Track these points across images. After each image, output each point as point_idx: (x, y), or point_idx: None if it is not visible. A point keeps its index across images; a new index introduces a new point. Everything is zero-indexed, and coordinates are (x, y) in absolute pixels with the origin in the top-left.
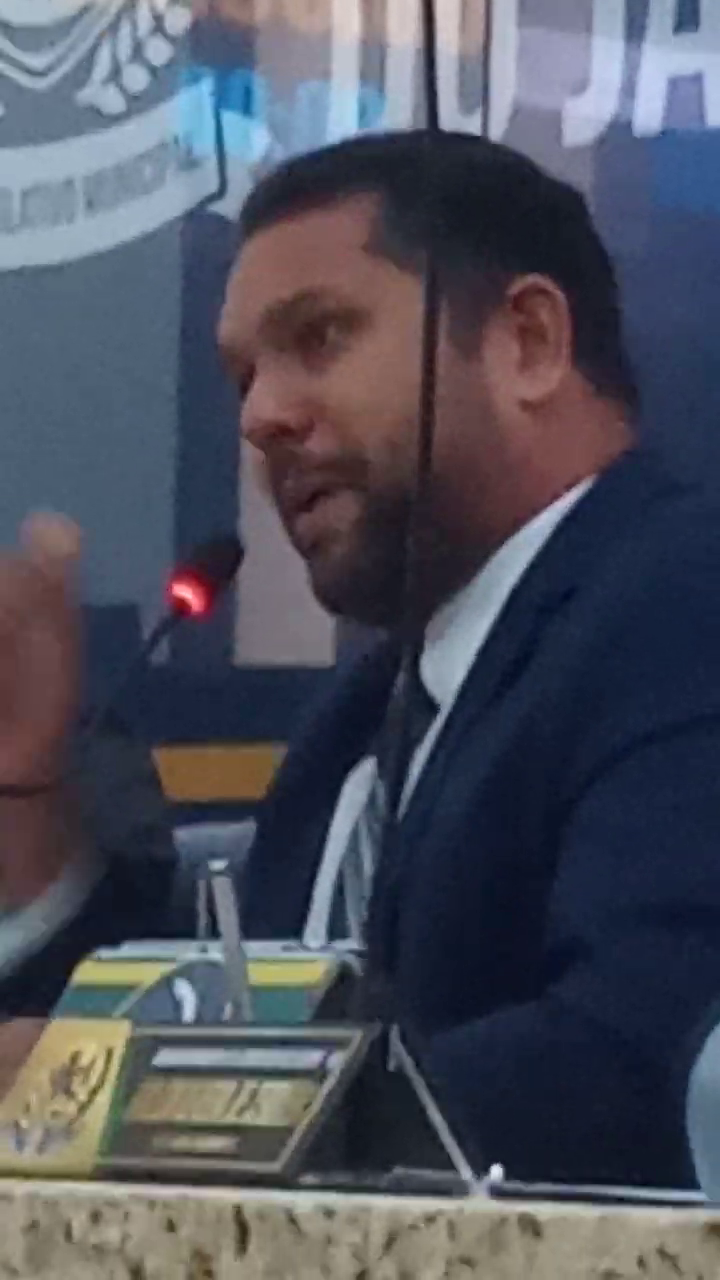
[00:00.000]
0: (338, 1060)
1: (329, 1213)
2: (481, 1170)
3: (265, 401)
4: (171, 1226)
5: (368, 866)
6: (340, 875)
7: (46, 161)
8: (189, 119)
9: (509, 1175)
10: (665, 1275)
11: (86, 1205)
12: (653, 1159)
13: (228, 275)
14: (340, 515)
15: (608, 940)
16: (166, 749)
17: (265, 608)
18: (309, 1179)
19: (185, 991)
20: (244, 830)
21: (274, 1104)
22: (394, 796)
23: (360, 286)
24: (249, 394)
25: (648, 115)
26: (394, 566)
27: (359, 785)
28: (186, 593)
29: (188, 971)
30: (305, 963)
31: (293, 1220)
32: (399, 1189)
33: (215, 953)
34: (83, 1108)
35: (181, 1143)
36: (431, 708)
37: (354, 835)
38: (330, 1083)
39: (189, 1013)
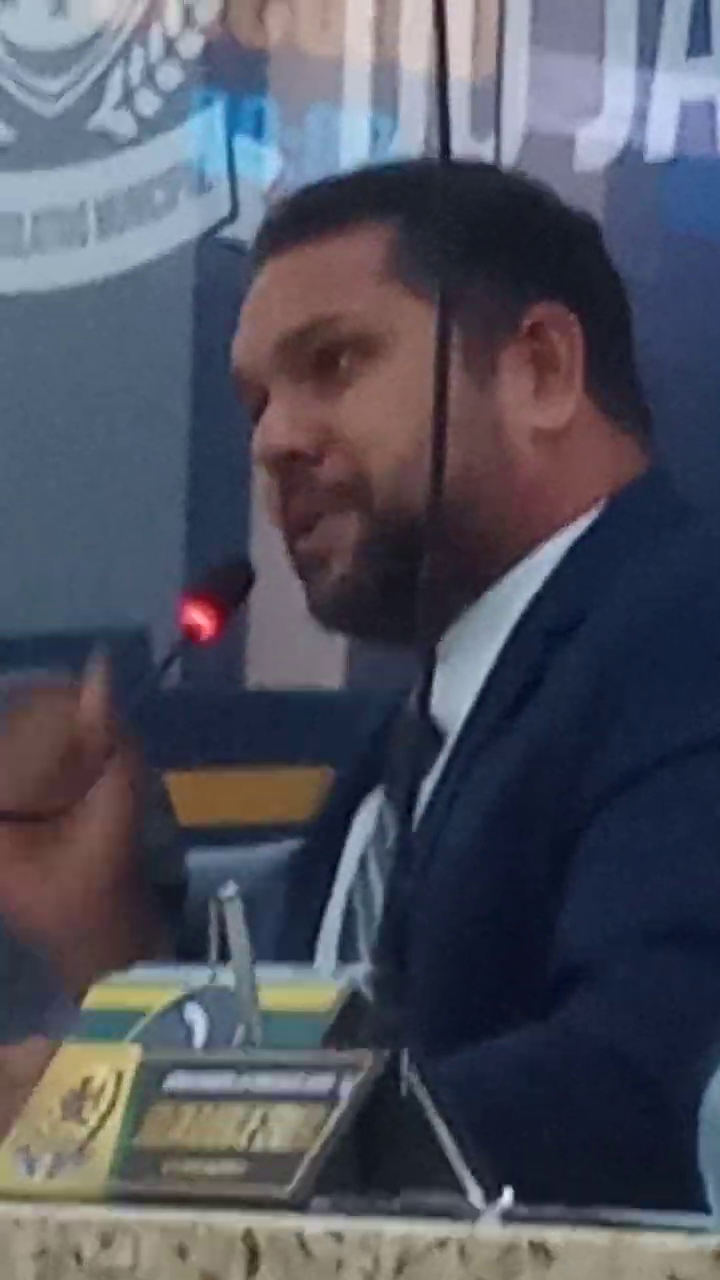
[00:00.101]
0: (348, 1085)
1: (339, 1237)
2: (492, 1195)
3: (278, 426)
4: (182, 1251)
5: (376, 895)
6: (349, 904)
7: (58, 186)
8: (201, 143)
9: (519, 1198)
10: None
11: (97, 1230)
12: (661, 1180)
13: (240, 299)
14: (341, 534)
15: (614, 963)
16: (178, 772)
17: (276, 631)
18: (319, 1203)
19: (196, 1016)
20: (256, 854)
21: (285, 1128)
22: (405, 821)
23: (374, 314)
24: (262, 419)
25: (659, 141)
26: (392, 587)
27: (368, 815)
28: (198, 616)
29: (199, 996)
30: (316, 987)
31: (303, 1245)
32: (410, 1213)
33: (226, 977)
34: (93, 1132)
35: (192, 1167)
36: (437, 735)
37: (362, 864)
38: (341, 1107)
39: (200, 1037)
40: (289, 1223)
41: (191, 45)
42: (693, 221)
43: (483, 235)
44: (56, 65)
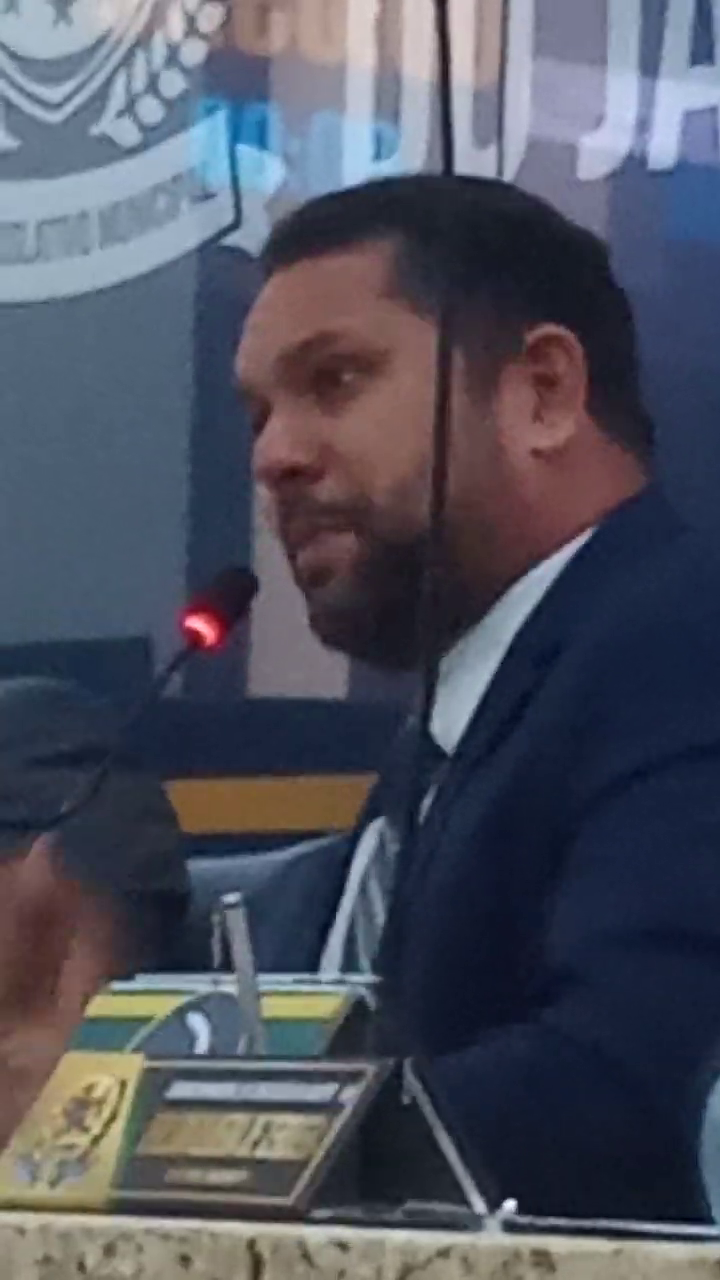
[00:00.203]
0: (352, 1094)
1: (343, 1246)
2: (495, 1204)
3: (279, 443)
4: (185, 1260)
5: (378, 915)
6: (351, 928)
7: (61, 194)
8: (204, 151)
9: (506, 1197)
10: None
11: (100, 1238)
12: (647, 1180)
13: (243, 308)
14: (340, 551)
15: (598, 965)
16: (179, 781)
17: (278, 640)
18: (322, 1212)
19: (199, 1024)
20: (259, 863)
21: (288, 1137)
22: (408, 834)
23: (376, 330)
24: (263, 434)
25: (662, 149)
26: (390, 607)
27: (371, 836)
28: (200, 625)
29: (201, 1004)
30: (319, 996)
31: (306, 1254)
32: (412, 1222)
33: (229, 986)
34: (96, 1141)
35: (195, 1176)
36: (437, 754)
37: (364, 887)
38: (344, 1116)
39: (203, 1046)
40: (292, 1231)
41: (194, 53)
42: (695, 230)
43: (486, 253)
44: (59, 73)
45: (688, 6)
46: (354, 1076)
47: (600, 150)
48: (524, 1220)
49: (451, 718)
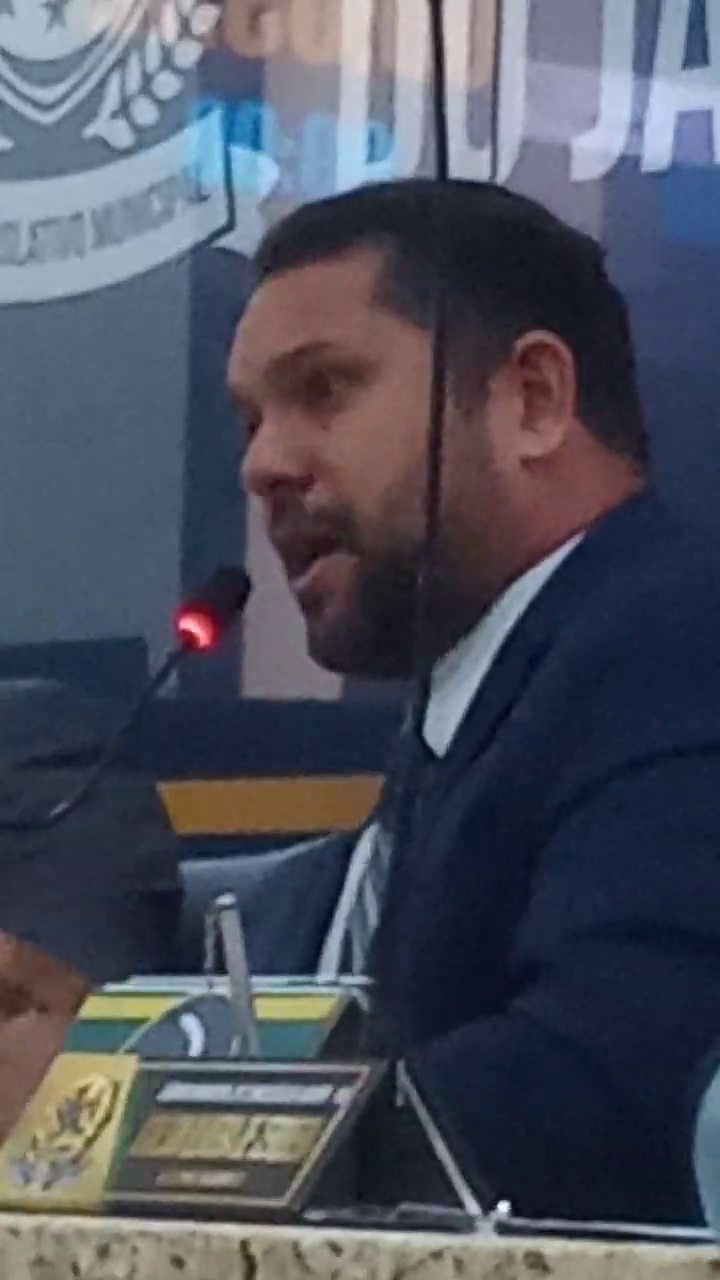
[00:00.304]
0: (345, 1095)
1: (336, 1248)
2: (489, 1206)
3: (267, 452)
4: (179, 1262)
5: (372, 918)
6: (348, 927)
7: (55, 195)
8: (198, 152)
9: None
10: None
11: (94, 1240)
12: (615, 1168)
13: (237, 309)
14: (334, 576)
15: (567, 956)
16: (173, 782)
17: (273, 641)
18: (316, 1214)
19: (192, 1026)
20: (252, 864)
21: (281, 1139)
22: (400, 838)
23: (364, 340)
24: (253, 442)
25: (656, 151)
26: (385, 626)
27: (367, 839)
28: (194, 626)
29: (195, 1006)
30: (312, 998)
31: (299, 1256)
32: (406, 1224)
33: (222, 988)
34: (90, 1142)
35: (188, 1178)
36: (430, 757)
37: (360, 893)
38: (337, 1118)
39: (196, 1047)
40: (286, 1233)
41: (188, 54)
42: (689, 231)
43: (476, 261)
44: (53, 74)
45: (682, 8)
46: (348, 1078)
47: (594, 151)
48: (518, 1222)
49: (444, 722)
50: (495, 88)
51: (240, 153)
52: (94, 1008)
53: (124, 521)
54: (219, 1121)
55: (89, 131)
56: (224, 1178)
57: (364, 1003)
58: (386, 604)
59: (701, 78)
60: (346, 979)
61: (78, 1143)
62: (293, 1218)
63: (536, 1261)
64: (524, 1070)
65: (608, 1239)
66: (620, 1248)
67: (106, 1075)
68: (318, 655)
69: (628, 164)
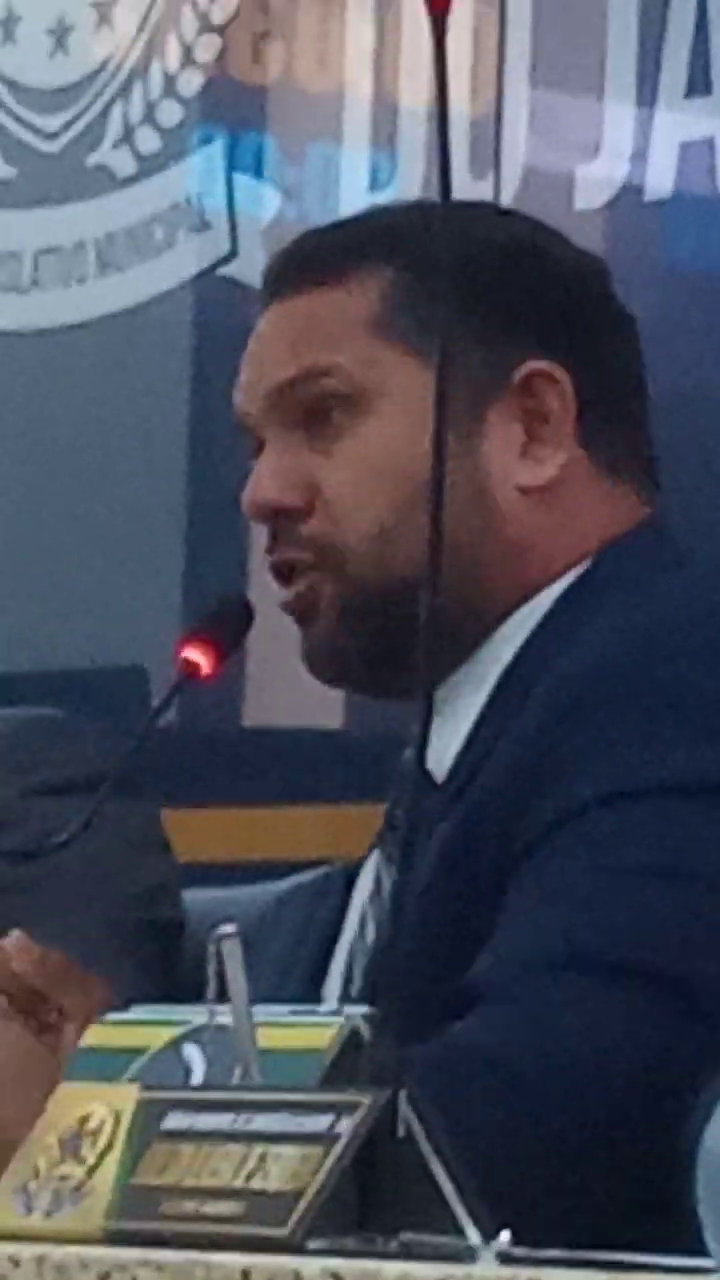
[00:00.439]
0: (347, 1125)
1: (337, 1278)
2: (490, 1235)
3: (266, 483)
4: None
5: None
6: (350, 957)
7: (58, 223)
8: (200, 181)
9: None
10: None
11: (95, 1269)
12: (541, 1182)
13: (239, 338)
14: (318, 592)
15: (510, 985)
16: (175, 810)
17: (274, 670)
18: (317, 1244)
19: (194, 1055)
20: (254, 893)
21: (282, 1168)
22: (404, 867)
23: (364, 368)
24: (253, 471)
25: (659, 180)
26: (374, 647)
27: (369, 869)
28: (196, 655)
29: (196, 1035)
30: (314, 1027)
31: None
32: (407, 1254)
33: (224, 1016)
34: (91, 1171)
35: (190, 1207)
36: (432, 786)
37: (362, 919)
38: (339, 1147)
39: (197, 1076)
40: (287, 1263)
41: (191, 83)
42: (692, 260)
43: (478, 288)
44: (56, 102)
45: (685, 37)
46: (349, 1107)
47: (597, 180)
48: (519, 1252)
49: (444, 751)
50: (498, 116)
51: (243, 181)
52: (96, 1036)
53: (126, 550)
54: (220, 1150)
55: (92, 160)
56: (225, 1207)
57: (365, 1032)
58: (373, 627)
59: (704, 107)
60: (348, 1008)
61: (79, 1172)
62: (294, 1247)
63: None
64: (450, 1090)
65: (609, 1269)
66: (621, 1277)
67: (108, 1104)
68: (308, 666)
69: (630, 193)
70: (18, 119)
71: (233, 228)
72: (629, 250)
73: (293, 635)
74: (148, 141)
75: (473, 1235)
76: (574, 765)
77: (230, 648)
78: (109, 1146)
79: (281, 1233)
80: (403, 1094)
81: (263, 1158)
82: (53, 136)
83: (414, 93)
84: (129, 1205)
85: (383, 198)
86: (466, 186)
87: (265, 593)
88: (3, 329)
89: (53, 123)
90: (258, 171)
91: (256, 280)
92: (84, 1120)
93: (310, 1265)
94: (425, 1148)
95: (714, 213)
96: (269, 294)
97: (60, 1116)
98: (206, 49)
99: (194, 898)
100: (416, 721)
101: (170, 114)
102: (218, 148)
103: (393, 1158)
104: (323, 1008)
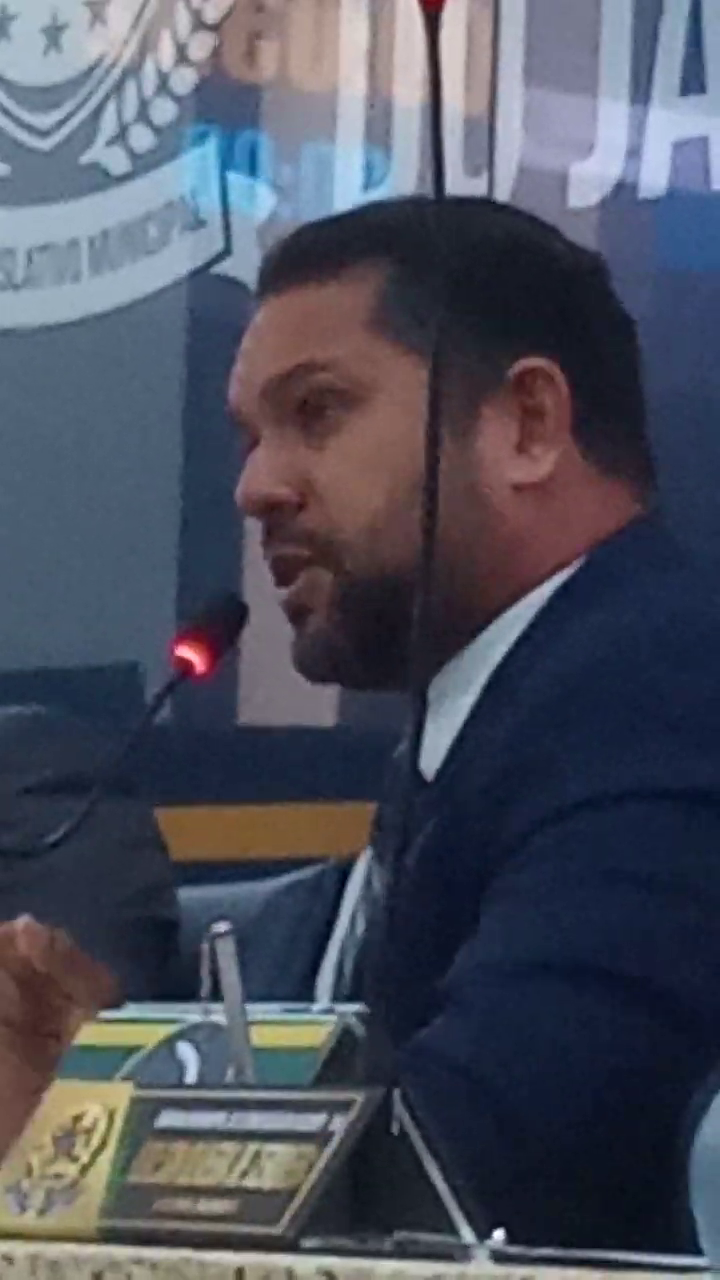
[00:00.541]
0: (340, 1123)
1: (331, 1276)
2: (484, 1234)
3: (260, 476)
4: None
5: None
6: (342, 955)
7: (52, 221)
8: (194, 179)
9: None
10: None
11: (88, 1267)
12: (504, 1190)
13: (233, 336)
14: (316, 590)
15: (478, 990)
16: (169, 809)
17: (268, 669)
18: (311, 1242)
19: (188, 1053)
20: (248, 891)
21: (276, 1167)
22: (396, 864)
23: (358, 364)
24: (247, 464)
25: (653, 178)
26: (367, 643)
27: (361, 868)
28: (190, 654)
29: (190, 1033)
30: (308, 1025)
31: None
32: (401, 1252)
33: (218, 1015)
34: (85, 1170)
35: (183, 1205)
36: (422, 784)
37: (354, 917)
38: (333, 1146)
39: (191, 1075)
40: (281, 1261)
41: (185, 81)
42: (685, 258)
43: (474, 285)
44: (50, 100)
45: (679, 35)
46: (343, 1106)
47: (591, 178)
48: (513, 1250)
49: (433, 749)
50: (492, 115)
51: (237, 179)
52: (90, 1035)
53: (120, 548)
54: (214, 1149)
55: (86, 158)
56: (219, 1205)
57: (359, 1030)
58: (367, 622)
59: (698, 105)
60: (342, 1006)
61: (73, 1170)
62: (288, 1245)
63: None
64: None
65: (603, 1267)
66: (615, 1276)
67: (102, 1102)
68: (299, 666)
69: (624, 191)
70: (11, 116)
71: (227, 226)
72: (622, 248)
73: (287, 633)
74: (142, 139)
75: (467, 1234)
76: (555, 768)
77: (224, 646)
78: (103, 1145)
79: (275, 1231)
80: (396, 1092)
81: (256, 1156)
82: (46, 134)
83: (408, 91)
84: (123, 1203)
85: (377, 196)
86: (461, 184)
87: (260, 591)
88: None
89: (46, 120)
90: (252, 169)
91: (251, 278)
92: (78, 1118)
93: (304, 1264)
94: (419, 1146)
95: (707, 211)
96: (264, 288)
97: (54, 1115)
98: (200, 47)
99: (188, 896)
100: (409, 720)
101: (164, 112)
102: (212, 146)
103: (386, 1156)
104: (316, 1006)
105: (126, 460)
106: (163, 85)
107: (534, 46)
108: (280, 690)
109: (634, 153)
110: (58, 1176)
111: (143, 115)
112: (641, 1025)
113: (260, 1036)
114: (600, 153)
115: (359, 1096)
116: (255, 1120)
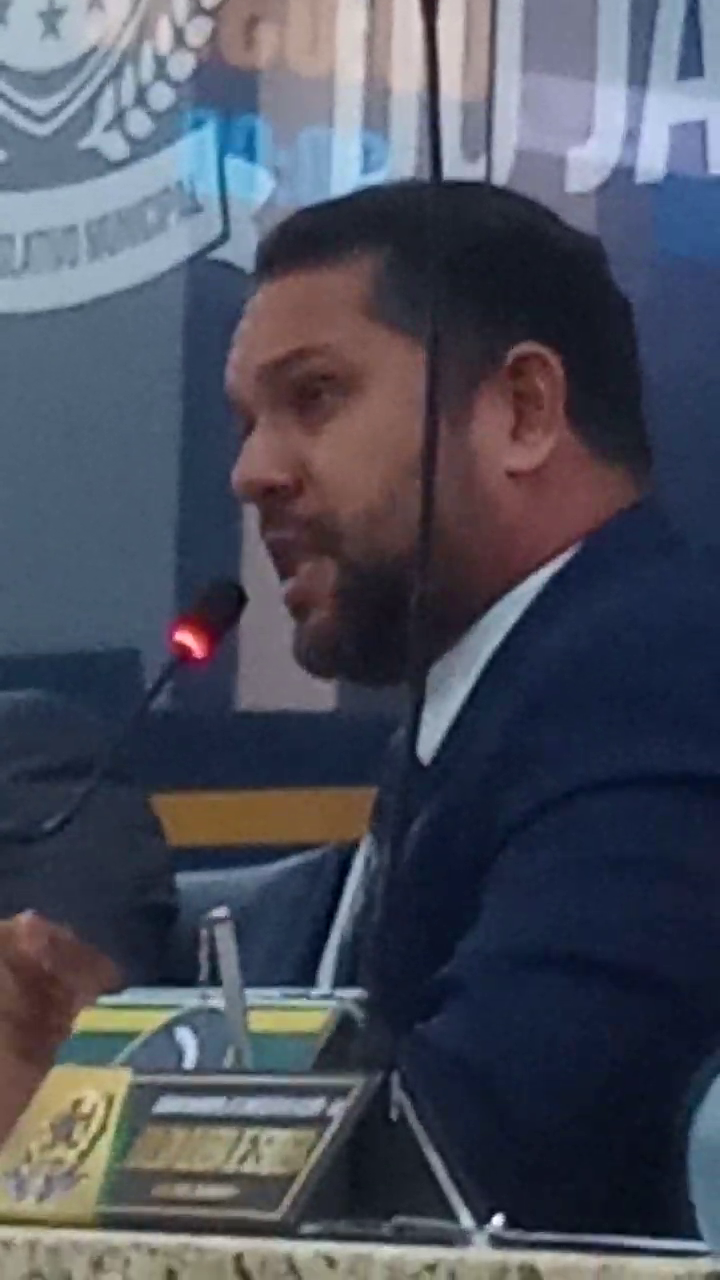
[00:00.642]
0: (339, 1108)
1: (330, 1261)
2: (483, 1219)
3: (256, 461)
4: (172, 1275)
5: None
6: (343, 940)
7: (50, 206)
8: (192, 164)
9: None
10: None
11: (87, 1253)
12: (501, 1185)
13: (231, 321)
14: (318, 582)
15: (478, 980)
16: (168, 795)
17: (267, 654)
18: (310, 1227)
19: (186, 1039)
20: (247, 876)
21: (275, 1152)
22: (395, 849)
23: (354, 349)
24: (243, 449)
25: (651, 162)
26: (368, 634)
27: (361, 853)
28: (189, 639)
29: (189, 1019)
30: (306, 1010)
31: (294, 1269)
32: (400, 1238)
33: (216, 1000)
34: (83, 1155)
35: (182, 1191)
36: (419, 770)
37: (354, 902)
38: (331, 1131)
39: (190, 1060)
40: (279, 1246)
41: (183, 66)
42: (683, 243)
43: (471, 271)
44: (48, 86)
45: (676, 20)
46: (341, 1091)
47: (589, 163)
48: (512, 1235)
49: (432, 733)
50: (490, 99)
51: (235, 164)
52: (88, 1020)
53: (118, 534)
54: (213, 1134)
55: (83, 143)
56: (218, 1191)
57: (358, 1015)
58: (368, 612)
59: (696, 89)
60: (341, 992)
61: (71, 1156)
62: (287, 1231)
63: (530, 1275)
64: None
65: (601, 1252)
66: (614, 1260)
67: (100, 1088)
68: (300, 659)
69: (622, 176)
70: (9, 102)
71: (225, 211)
72: (620, 233)
73: (286, 619)
74: (139, 124)
75: (466, 1219)
76: (551, 755)
77: (223, 631)
78: (101, 1130)
79: (274, 1216)
80: (395, 1077)
81: (255, 1141)
82: (44, 119)
83: (406, 76)
84: (121, 1189)
85: (374, 181)
86: (458, 169)
87: (259, 576)
88: None
89: (44, 106)
90: (250, 154)
91: (248, 263)
92: (76, 1104)
93: (303, 1249)
94: (418, 1131)
95: (705, 195)
96: (261, 273)
97: (53, 1100)
98: (198, 32)
99: (187, 881)
100: (407, 705)
101: (162, 97)
102: (210, 131)
103: (385, 1141)
104: (315, 991)
105: (125, 445)
106: (161, 70)
107: (532, 31)
108: (280, 675)
109: (632, 137)
110: (57, 1162)
111: (141, 100)
112: (641, 1015)
113: (259, 1022)
114: (598, 137)
115: (358, 1082)
116: (254, 1105)
